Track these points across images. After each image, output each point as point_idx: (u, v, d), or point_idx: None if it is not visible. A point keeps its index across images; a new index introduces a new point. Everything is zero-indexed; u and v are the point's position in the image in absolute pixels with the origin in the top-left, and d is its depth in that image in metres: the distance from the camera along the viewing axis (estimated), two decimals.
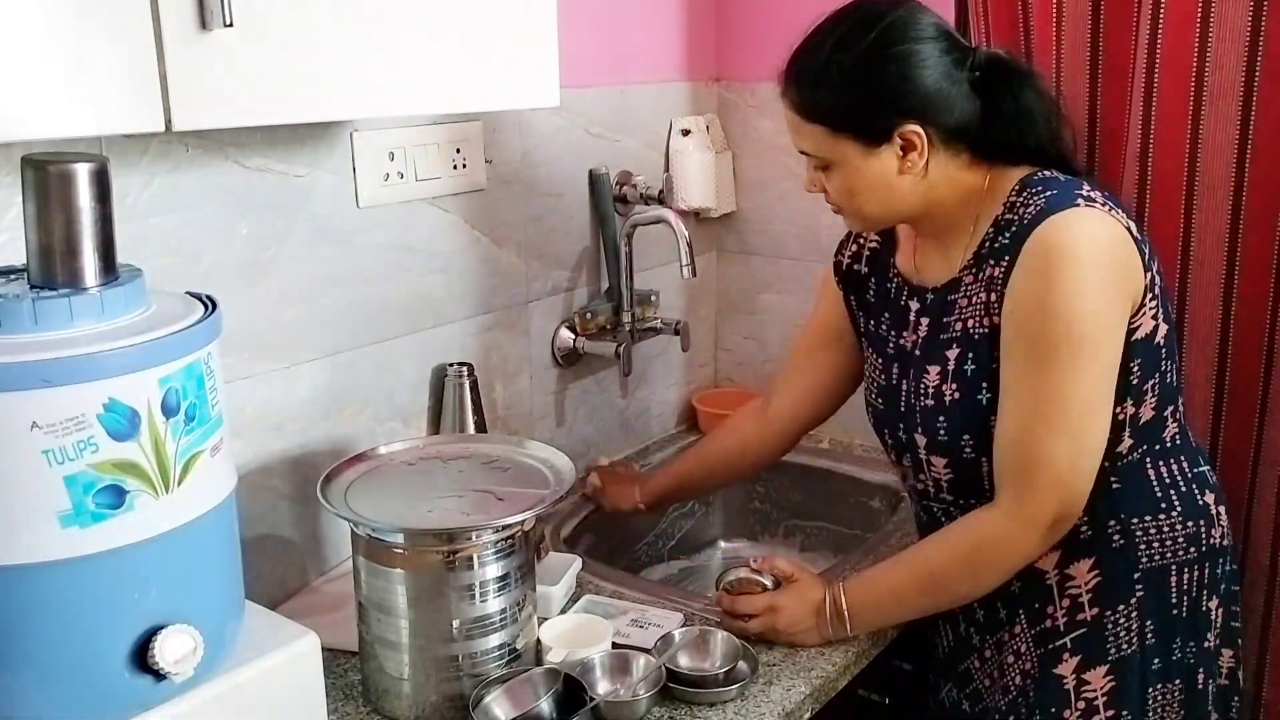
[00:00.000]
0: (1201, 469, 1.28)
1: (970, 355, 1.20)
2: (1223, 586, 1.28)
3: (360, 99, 1.03)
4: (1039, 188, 1.17)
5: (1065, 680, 1.24)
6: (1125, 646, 1.22)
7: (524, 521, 1.14)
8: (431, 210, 1.50)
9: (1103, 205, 1.15)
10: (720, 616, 1.32)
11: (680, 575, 1.83)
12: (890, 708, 1.44)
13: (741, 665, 1.22)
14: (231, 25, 0.87)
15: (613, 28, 1.78)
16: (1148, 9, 1.44)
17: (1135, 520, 1.22)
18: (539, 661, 1.21)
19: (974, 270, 1.21)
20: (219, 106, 0.91)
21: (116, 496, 0.81)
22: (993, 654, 1.30)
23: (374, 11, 1.01)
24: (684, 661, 1.23)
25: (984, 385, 1.19)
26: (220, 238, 1.25)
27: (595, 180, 1.76)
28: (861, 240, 1.40)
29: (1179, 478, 1.24)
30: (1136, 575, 1.22)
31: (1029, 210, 1.16)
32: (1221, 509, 1.28)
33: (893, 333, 1.32)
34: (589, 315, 1.78)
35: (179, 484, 0.85)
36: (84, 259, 0.84)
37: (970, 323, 1.21)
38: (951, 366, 1.22)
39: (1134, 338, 1.16)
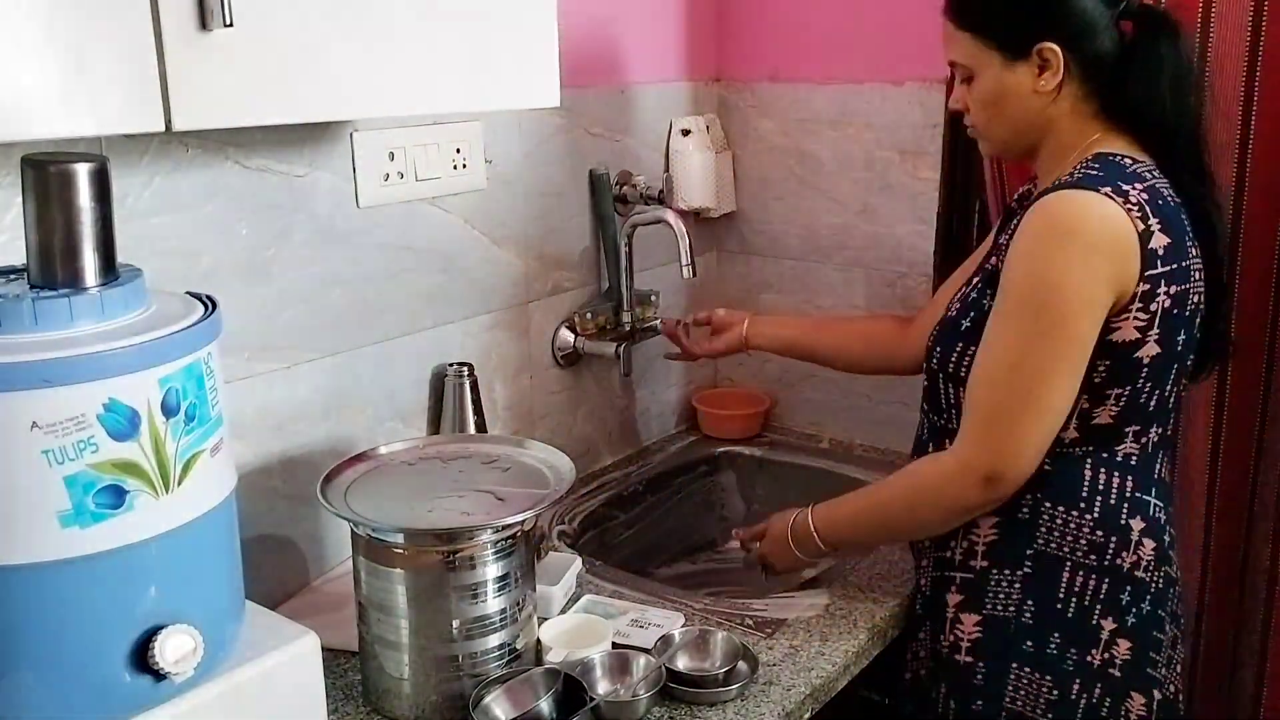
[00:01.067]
0: (1147, 499, 1.26)
1: (978, 285, 1.29)
2: (1130, 620, 1.25)
3: (360, 99, 1.03)
4: (1096, 165, 1.19)
5: (948, 609, 1.31)
6: (999, 609, 1.27)
7: (524, 521, 1.14)
8: (431, 210, 1.50)
9: (1128, 205, 1.15)
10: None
11: (681, 576, 1.83)
12: (890, 708, 1.45)
13: (741, 665, 1.22)
14: (231, 25, 0.87)
15: (613, 28, 1.78)
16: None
17: (1047, 504, 1.24)
18: (539, 661, 1.21)
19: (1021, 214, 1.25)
20: (219, 106, 0.91)
21: (116, 496, 0.81)
22: (916, 559, 1.41)
23: (374, 12, 1.01)
24: (684, 662, 1.23)
25: (970, 314, 1.26)
26: (220, 238, 1.25)
27: (595, 180, 1.76)
28: (1033, 186, 1.40)
29: (1111, 490, 1.24)
30: (1030, 551, 1.25)
31: (1066, 178, 1.19)
32: (1149, 544, 1.25)
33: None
34: (589, 315, 1.78)
35: (179, 484, 0.85)
36: (84, 259, 0.84)
37: (994, 259, 1.28)
38: (968, 290, 1.31)
39: (1108, 337, 1.17)
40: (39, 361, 0.77)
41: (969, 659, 1.28)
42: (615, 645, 1.25)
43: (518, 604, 1.17)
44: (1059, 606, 1.24)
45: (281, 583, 1.39)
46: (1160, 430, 1.26)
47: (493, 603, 1.14)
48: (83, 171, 0.83)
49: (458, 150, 1.50)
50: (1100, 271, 1.14)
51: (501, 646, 1.15)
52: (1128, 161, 1.20)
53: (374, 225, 1.42)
